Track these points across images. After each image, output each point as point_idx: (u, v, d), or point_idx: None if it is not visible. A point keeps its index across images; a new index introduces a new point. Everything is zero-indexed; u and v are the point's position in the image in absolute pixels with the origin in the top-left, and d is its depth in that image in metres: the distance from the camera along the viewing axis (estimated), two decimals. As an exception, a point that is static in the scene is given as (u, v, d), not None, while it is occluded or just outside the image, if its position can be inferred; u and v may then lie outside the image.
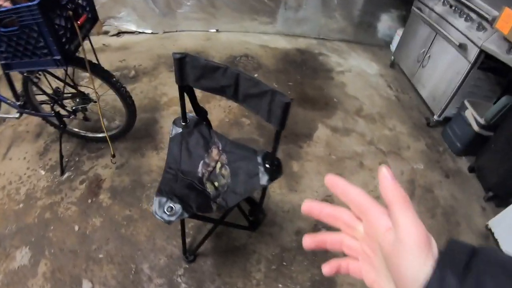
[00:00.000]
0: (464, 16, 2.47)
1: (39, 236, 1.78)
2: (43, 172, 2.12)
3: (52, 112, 1.99)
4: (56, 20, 1.49)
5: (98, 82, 1.89)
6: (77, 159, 2.20)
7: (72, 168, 2.14)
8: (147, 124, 2.46)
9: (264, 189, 1.50)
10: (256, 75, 3.08)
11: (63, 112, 2.04)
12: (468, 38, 2.40)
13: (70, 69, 1.90)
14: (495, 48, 2.23)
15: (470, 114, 2.44)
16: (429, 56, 2.87)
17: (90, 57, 1.74)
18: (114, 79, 1.88)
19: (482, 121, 2.34)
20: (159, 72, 2.97)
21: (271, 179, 1.29)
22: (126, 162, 2.18)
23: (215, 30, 3.66)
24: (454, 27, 2.55)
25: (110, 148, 1.99)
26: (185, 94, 1.39)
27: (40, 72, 1.90)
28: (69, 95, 2.00)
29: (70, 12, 1.51)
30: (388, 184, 0.31)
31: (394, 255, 0.29)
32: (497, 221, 2.05)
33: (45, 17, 1.37)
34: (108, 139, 1.96)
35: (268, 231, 1.87)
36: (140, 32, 3.50)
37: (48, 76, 1.91)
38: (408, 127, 2.77)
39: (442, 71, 2.70)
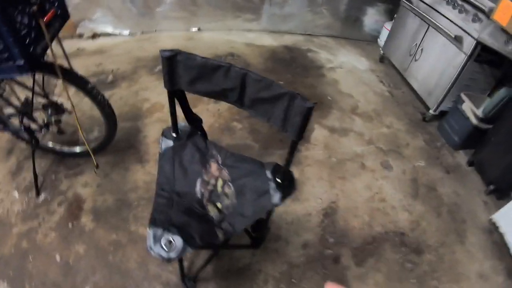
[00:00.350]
0: (458, 7, 2.36)
1: (17, 269, 1.54)
2: (16, 194, 1.86)
3: (22, 126, 1.74)
4: (18, 18, 1.23)
5: (73, 90, 1.65)
6: (53, 177, 1.94)
7: (49, 188, 1.89)
8: (129, 134, 2.23)
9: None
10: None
11: (33, 126, 1.78)
12: (464, 30, 2.30)
13: (39, 77, 1.65)
14: (493, 40, 2.14)
15: (467, 107, 2.35)
16: (422, 49, 2.75)
17: (62, 62, 1.50)
18: (90, 85, 1.64)
19: (480, 114, 2.25)
20: (139, 76, 2.73)
21: (284, 196, 1.10)
22: (108, 178, 1.95)
23: (196, 29, 3.43)
24: (448, 19, 2.45)
25: (93, 159, 1.75)
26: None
27: (4, 81, 1.64)
28: (40, 106, 1.75)
29: (35, 8, 1.26)
30: None
31: None
32: (501, 215, 1.97)
33: (3, 14, 1.12)
34: (89, 150, 1.72)
35: (273, 246, 1.69)
36: (117, 34, 3.23)
37: (15, 86, 1.66)
38: (404, 124, 2.65)
39: (436, 64, 2.59)
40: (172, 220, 1.02)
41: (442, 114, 2.62)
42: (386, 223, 1.90)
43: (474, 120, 2.28)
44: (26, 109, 1.72)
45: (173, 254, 0.91)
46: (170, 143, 1.25)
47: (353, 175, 2.13)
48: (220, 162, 1.23)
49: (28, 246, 1.63)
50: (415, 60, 2.84)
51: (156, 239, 0.94)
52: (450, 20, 2.42)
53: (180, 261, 1.46)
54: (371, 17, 3.63)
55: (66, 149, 2.02)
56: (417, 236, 1.86)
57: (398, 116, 2.71)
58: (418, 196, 2.10)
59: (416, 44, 2.81)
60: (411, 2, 2.85)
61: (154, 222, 0.99)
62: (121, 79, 2.68)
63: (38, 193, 1.85)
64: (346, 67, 3.21)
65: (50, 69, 1.49)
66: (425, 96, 2.74)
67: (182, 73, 1.07)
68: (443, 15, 2.50)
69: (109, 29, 3.19)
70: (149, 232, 0.95)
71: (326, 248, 1.73)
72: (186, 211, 1.08)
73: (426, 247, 1.80)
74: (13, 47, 1.23)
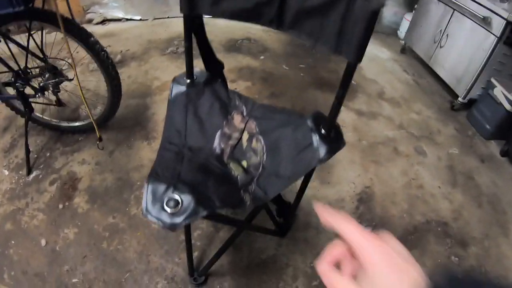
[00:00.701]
0: (484, -12, 2.06)
1: (-3, 254, 1.22)
2: (6, 172, 1.54)
3: (15, 90, 1.43)
4: None
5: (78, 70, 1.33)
6: (48, 154, 1.61)
7: (42, 166, 1.56)
8: (136, 111, 1.89)
9: (307, 176, 0.93)
10: (262, 58, 2.55)
11: (28, 91, 1.47)
12: (492, 11, 2.00)
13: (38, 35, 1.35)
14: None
15: (500, 92, 2.01)
16: (447, 36, 2.42)
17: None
18: (92, 39, 1.33)
19: (514, 98, 1.90)
20: (150, 56, 2.41)
21: (331, 151, 0.74)
22: (109, 156, 1.61)
23: (211, 16, 3.13)
24: (474, 1, 2.13)
25: (96, 130, 1.44)
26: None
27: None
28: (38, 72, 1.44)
29: None
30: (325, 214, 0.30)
31: None
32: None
33: None
34: (91, 117, 1.42)
35: (302, 236, 1.32)
36: (127, 19, 2.93)
37: (14, 48, 1.37)
38: (434, 111, 2.29)
39: (464, 49, 2.26)
40: (180, 175, 0.66)
41: (470, 103, 2.28)
42: (427, 211, 1.55)
43: (507, 105, 1.95)
44: (19, 72, 1.42)
45: (179, 219, 0.55)
46: (183, 89, 0.91)
47: (387, 159, 1.77)
48: (245, 113, 0.88)
49: (12, 228, 1.31)
50: (441, 47, 2.50)
51: (156, 198, 0.58)
52: (477, 2, 2.11)
53: (189, 250, 1.10)
54: (390, 9, 3.30)
55: (64, 124, 1.69)
56: (460, 226, 1.52)
57: (426, 104, 2.35)
58: (457, 184, 1.74)
59: (441, 30, 2.48)
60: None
61: (155, 176, 0.63)
62: (130, 59, 2.36)
63: (29, 171, 1.53)
64: (368, 56, 2.87)
65: (49, 18, 1.24)
66: (454, 84, 2.39)
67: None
68: (468, -3, 2.19)
69: (120, 14, 2.90)
70: (147, 188, 0.60)
71: (364, 238, 1.36)
72: (201, 168, 0.73)
73: (470, 239, 1.47)
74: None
